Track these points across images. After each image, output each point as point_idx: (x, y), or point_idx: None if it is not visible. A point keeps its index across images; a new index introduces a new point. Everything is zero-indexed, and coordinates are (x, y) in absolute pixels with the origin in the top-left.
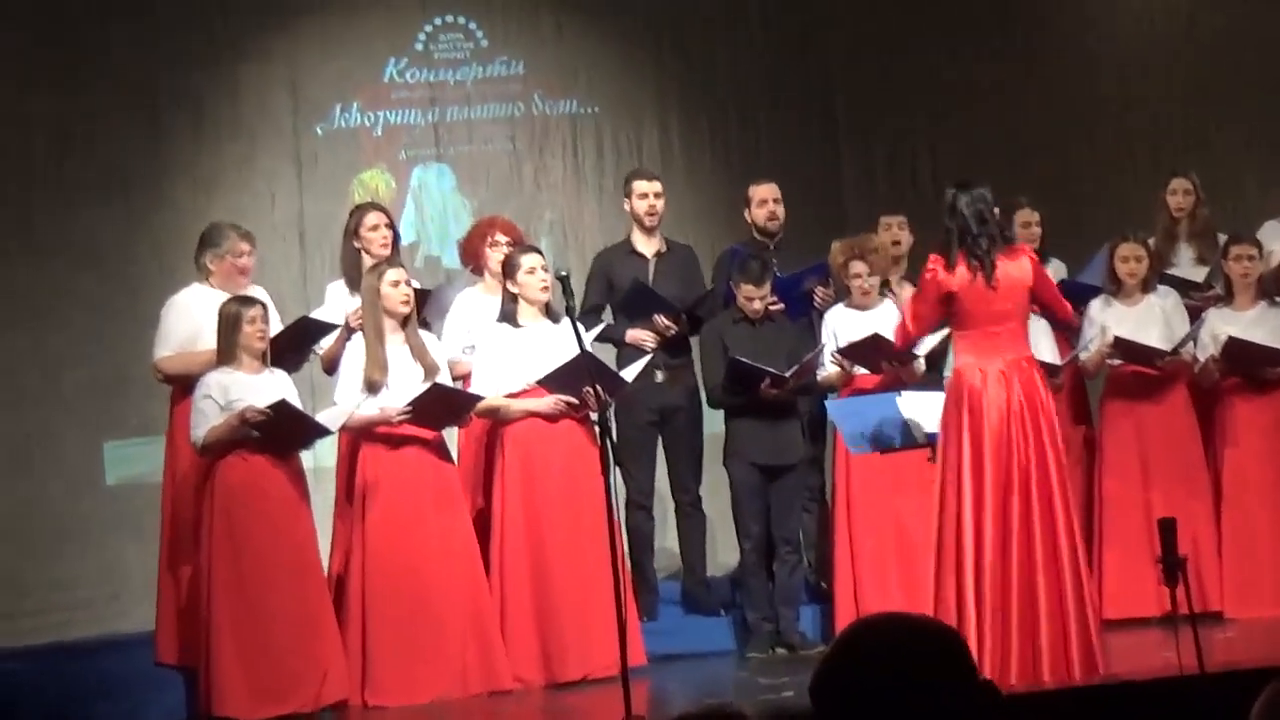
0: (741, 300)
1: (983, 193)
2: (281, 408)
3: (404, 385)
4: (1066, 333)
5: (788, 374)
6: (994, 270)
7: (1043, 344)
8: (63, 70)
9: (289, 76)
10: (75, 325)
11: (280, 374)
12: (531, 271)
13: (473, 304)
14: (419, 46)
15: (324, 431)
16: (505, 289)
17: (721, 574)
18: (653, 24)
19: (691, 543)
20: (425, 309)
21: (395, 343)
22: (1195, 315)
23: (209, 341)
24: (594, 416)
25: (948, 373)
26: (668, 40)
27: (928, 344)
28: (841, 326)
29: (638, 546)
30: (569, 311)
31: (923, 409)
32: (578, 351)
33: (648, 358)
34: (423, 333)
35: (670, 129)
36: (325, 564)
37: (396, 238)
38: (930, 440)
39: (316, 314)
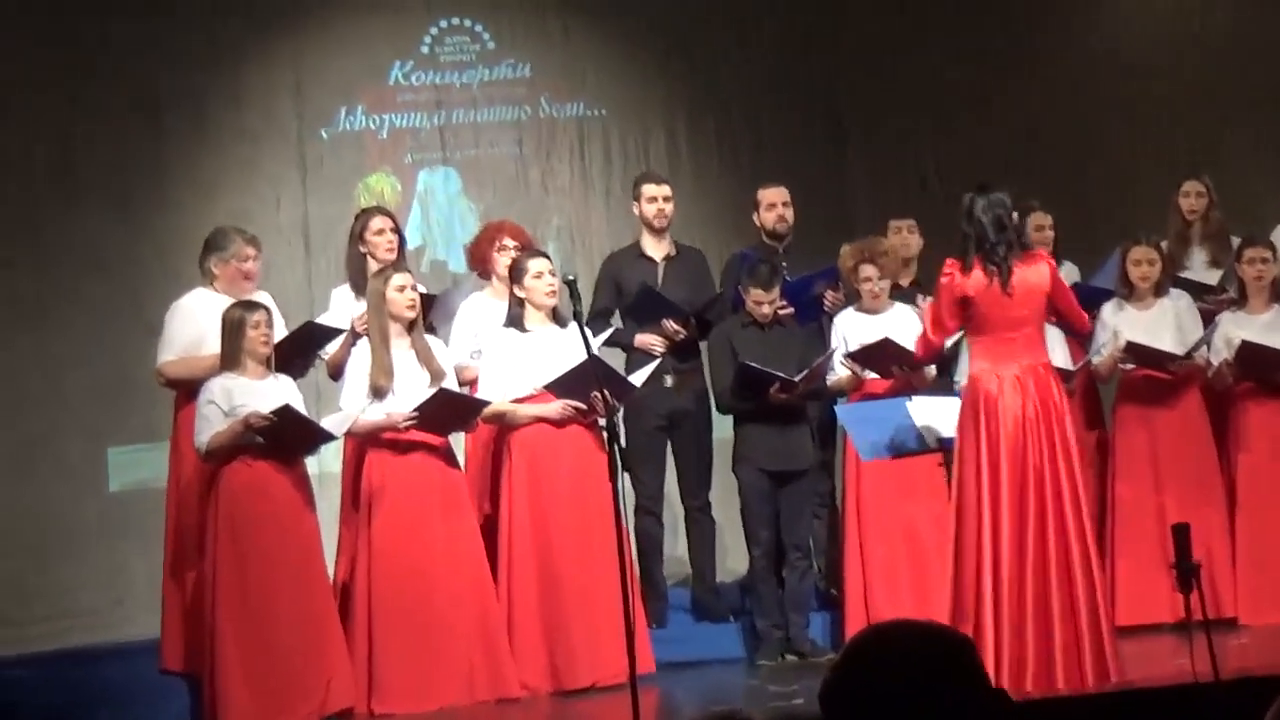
0: (750, 304)
1: (1001, 198)
2: (285, 413)
3: (410, 391)
4: (1079, 337)
5: (797, 378)
6: (1010, 277)
7: (1055, 349)
8: (65, 73)
9: (293, 79)
10: (78, 330)
11: (285, 379)
12: (539, 276)
13: (480, 309)
14: (425, 49)
15: (328, 437)
16: (512, 294)
17: (731, 580)
18: (660, 27)
19: (701, 549)
20: (431, 313)
21: (401, 348)
22: (1209, 319)
23: (213, 346)
24: (602, 422)
25: (958, 377)
26: (675, 43)
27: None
28: (851, 330)
29: (646, 552)
30: (576, 316)
31: (934, 414)
32: (585, 356)
33: (656, 362)
34: (429, 337)
35: (678, 132)
36: (330, 570)
37: (402, 242)
38: (941, 445)
39: (322, 319)
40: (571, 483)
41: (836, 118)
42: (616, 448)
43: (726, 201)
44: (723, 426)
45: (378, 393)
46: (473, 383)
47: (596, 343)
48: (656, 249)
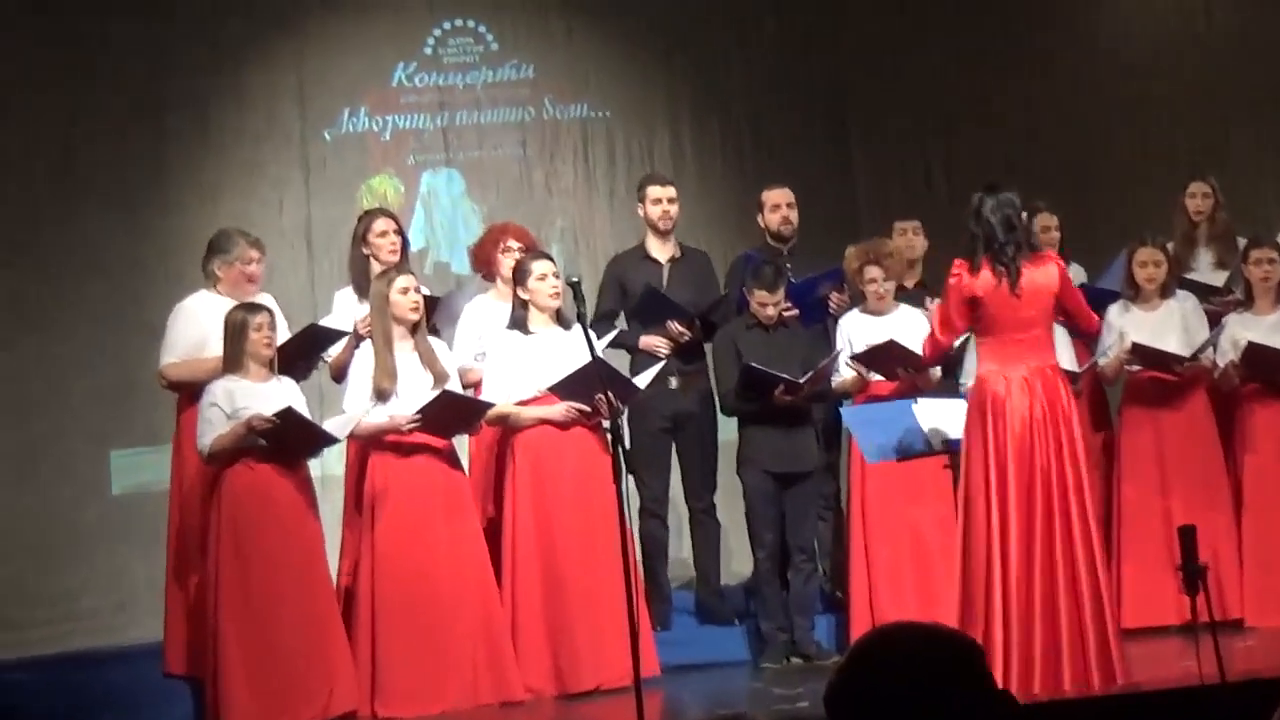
0: (755, 306)
1: (1010, 197)
2: (288, 415)
3: (413, 393)
4: (1088, 338)
5: (802, 380)
6: (1019, 278)
7: (1061, 351)
8: (67, 75)
9: (296, 81)
10: (81, 333)
11: (288, 382)
12: (542, 278)
13: (485, 311)
14: (428, 50)
15: (331, 440)
16: (516, 295)
17: (735, 583)
18: (663, 27)
19: (705, 551)
20: (435, 316)
21: (404, 350)
22: (1215, 320)
23: (216, 349)
24: (606, 424)
25: (963, 379)
26: (678, 44)
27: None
28: (856, 332)
29: (651, 555)
30: (580, 318)
31: (939, 416)
32: (589, 358)
33: (661, 364)
34: (432, 340)
35: (682, 133)
36: (333, 574)
37: (405, 244)
38: (947, 448)
39: (324, 321)
40: (575, 485)
41: (840, 118)
42: (620, 450)
43: (730, 203)
44: (728, 428)
45: (381, 395)
46: (477, 385)
47: (600, 345)
48: (661, 251)
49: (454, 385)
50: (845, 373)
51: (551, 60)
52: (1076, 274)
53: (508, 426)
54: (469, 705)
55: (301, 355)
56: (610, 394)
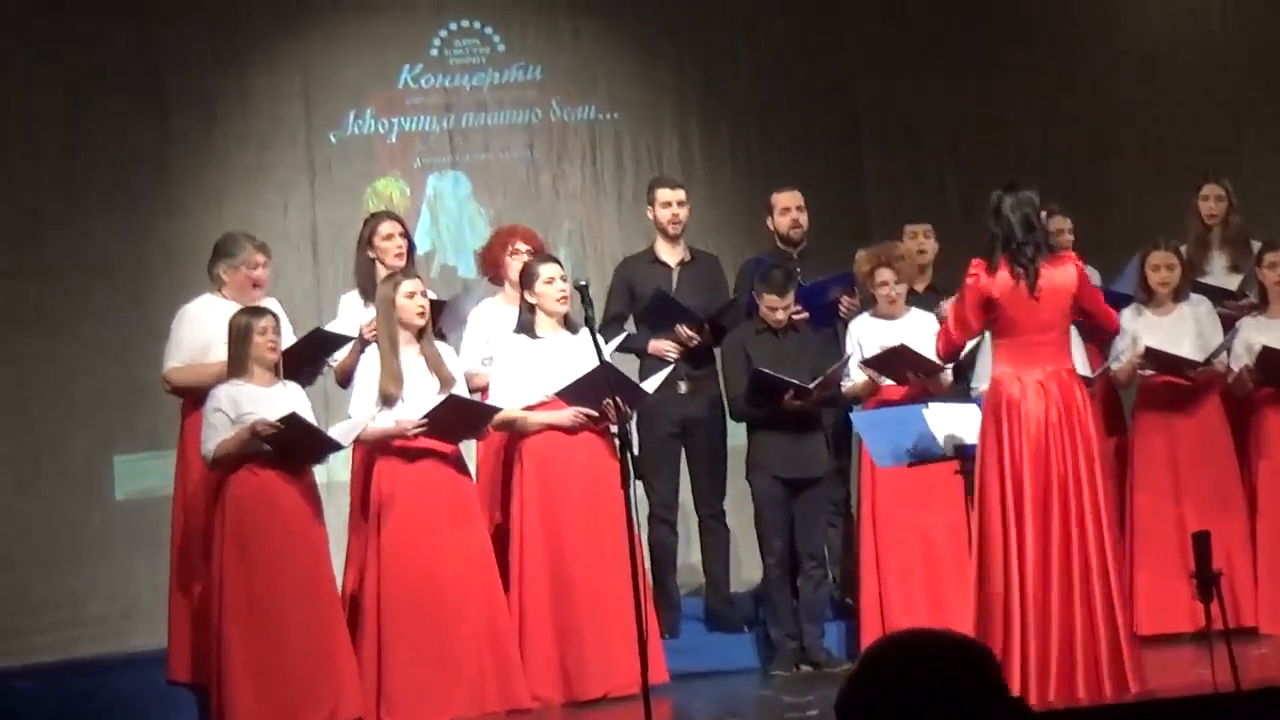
0: (764, 310)
1: (1030, 196)
2: (292, 421)
3: (419, 398)
4: (1108, 337)
5: (811, 385)
6: (1037, 279)
7: (1074, 355)
8: (71, 77)
9: (301, 82)
10: (85, 336)
11: (293, 386)
12: (550, 281)
13: (492, 314)
14: (434, 52)
15: (336, 446)
16: (523, 299)
17: (745, 590)
18: (672, 29)
19: (714, 558)
20: (441, 320)
21: (410, 355)
22: (1229, 324)
23: (220, 353)
24: (614, 429)
25: (975, 383)
26: (687, 46)
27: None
28: (867, 336)
29: (660, 561)
30: (588, 322)
31: (950, 420)
32: (597, 363)
33: (670, 368)
34: (438, 344)
35: (690, 136)
36: (339, 580)
37: (411, 247)
38: (957, 452)
39: (330, 326)
40: (583, 491)
41: (850, 120)
42: (629, 455)
43: (740, 206)
44: (737, 434)
45: (387, 400)
46: (484, 390)
47: (609, 349)
48: (670, 254)
49: (460, 390)
50: (856, 377)
51: (559, 62)
52: (1090, 277)
53: (515, 432)
54: (475, 713)
55: (306, 360)
56: (618, 399)
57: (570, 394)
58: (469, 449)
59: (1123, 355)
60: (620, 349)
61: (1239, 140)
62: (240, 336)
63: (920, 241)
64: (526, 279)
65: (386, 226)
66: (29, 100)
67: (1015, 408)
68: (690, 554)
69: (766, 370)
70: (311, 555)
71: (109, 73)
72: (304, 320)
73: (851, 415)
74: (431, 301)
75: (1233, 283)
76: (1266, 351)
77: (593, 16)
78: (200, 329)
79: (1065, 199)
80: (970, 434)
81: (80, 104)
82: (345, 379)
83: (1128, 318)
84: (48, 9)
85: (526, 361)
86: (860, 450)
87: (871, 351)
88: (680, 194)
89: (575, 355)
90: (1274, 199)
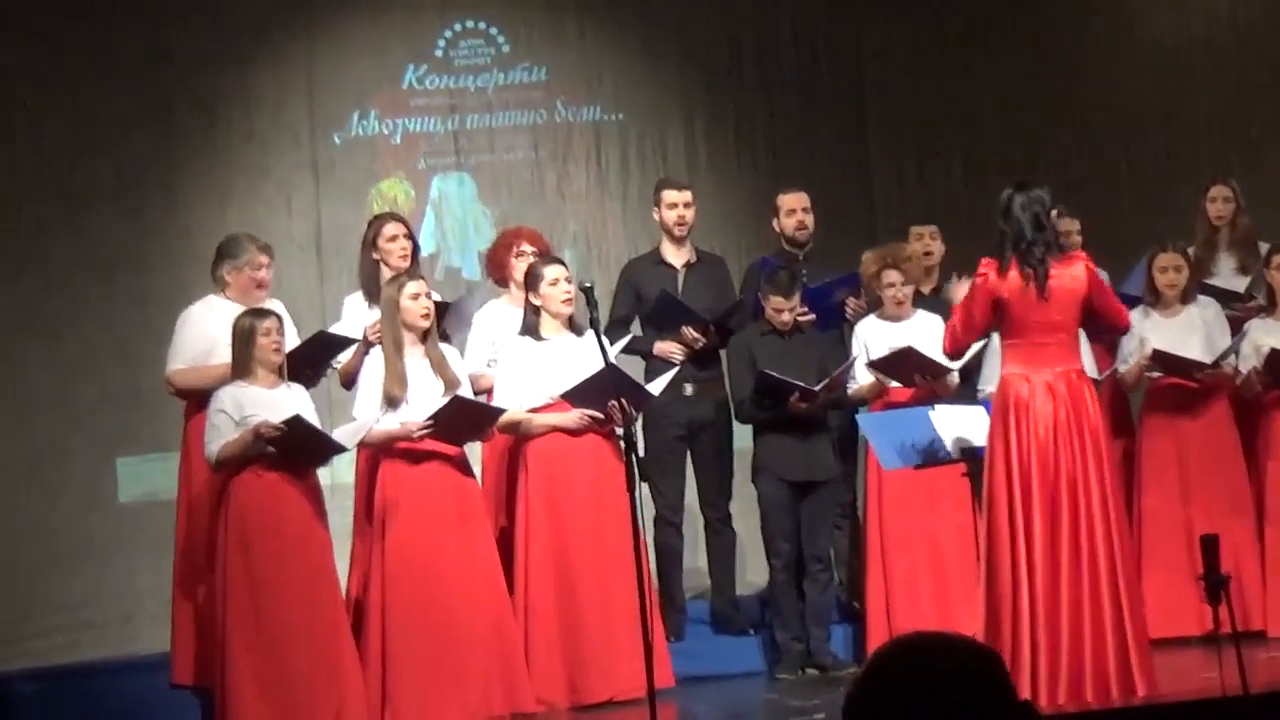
0: (770, 312)
1: (1041, 195)
2: (296, 423)
3: (424, 400)
4: (1120, 334)
5: (817, 388)
6: (1047, 280)
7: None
8: (74, 77)
9: (305, 83)
10: (88, 338)
11: (297, 388)
12: (554, 283)
13: (498, 316)
14: (439, 52)
15: (340, 448)
16: (528, 301)
17: (751, 593)
18: (678, 29)
19: (720, 561)
20: (445, 321)
21: (415, 356)
22: (1237, 326)
23: (224, 355)
24: (620, 431)
25: (982, 385)
26: (693, 46)
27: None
28: (873, 338)
29: (666, 564)
30: (593, 324)
31: (957, 423)
32: (602, 365)
33: (675, 370)
34: (443, 346)
35: (696, 136)
36: (343, 584)
37: (416, 249)
38: (964, 455)
39: (334, 328)
40: (589, 493)
41: (857, 121)
42: (634, 458)
43: (746, 206)
44: (743, 436)
45: (391, 402)
46: (489, 392)
47: (614, 351)
48: (677, 256)
49: (465, 392)
50: (862, 379)
51: (564, 62)
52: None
53: (520, 434)
54: (480, 717)
55: (310, 362)
56: (624, 401)
57: (575, 396)
58: (474, 451)
59: (1130, 357)
60: (626, 351)
61: (1249, 142)
62: (244, 338)
63: (927, 243)
64: (531, 281)
65: (391, 228)
66: (32, 100)
67: (1023, 408)
68: (696, 557)
69: (772, 372)
70: (315, 558)
71: (112, 73)
72: (308, 322)
73: (858, 417)
74: (436, 303)
75: (1240, 284)
76: (1275, 354)
77: (598, 17)
78: (204, 331)
79: (1074, 201)
80: (977, 436)
81: (83, 104)
82: (349, 381)
83: (1135, 320)
84: (52, 9)
85: (531, 363)
86: (867, 453)
87: (878, 353)
88: (687, 195)
89: (580, 357)
90: None
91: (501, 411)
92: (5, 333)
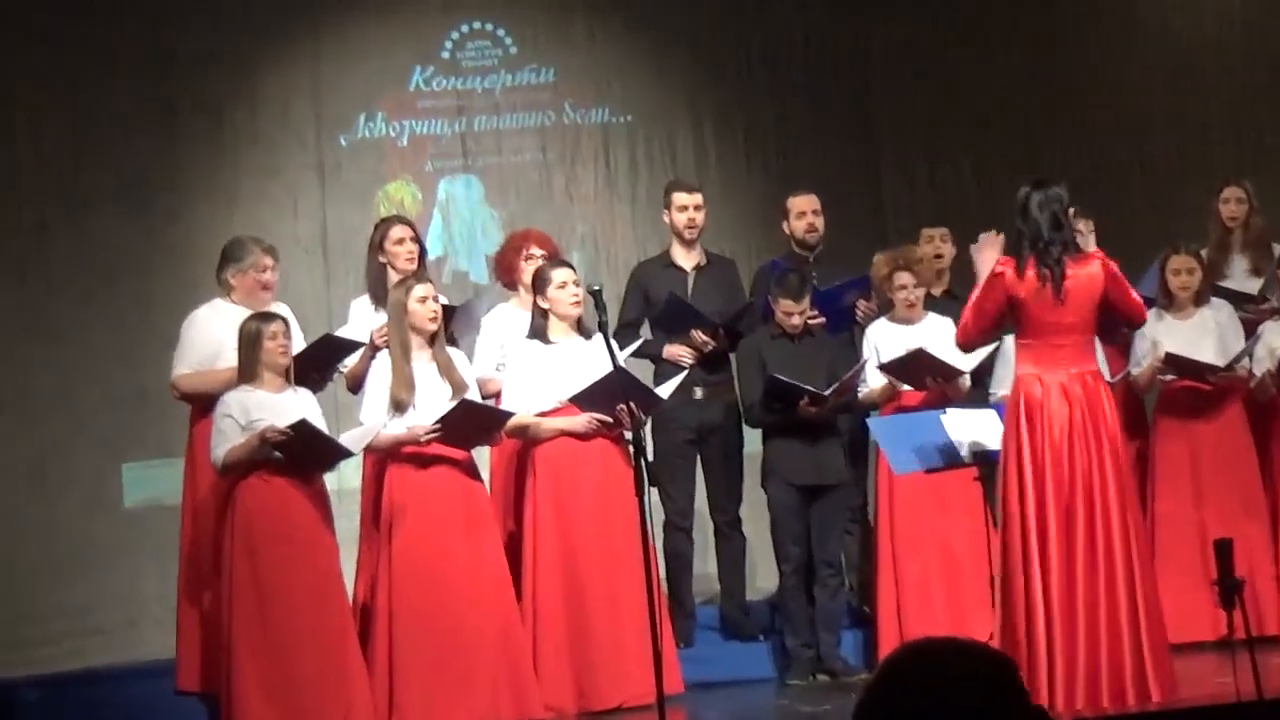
0: (780, 315)
1: (1059, 193)
2: (302, 427)
3: (431, 404)
4: (1138, 328)
5: (827, 391)
6: (1064, 281)
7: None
8: (79, 79)
9: (311, 84)
10: (92, 341)
11: (304, 392)
12: (562, 286)
13: (506, 320)
14: (446, 54)
15: (347, 453)
16: (535, 304)
17: (761, 598)
18: (686, 30)
19: (730, 566)
20: (453, 325)
21: (422, 360)
22: (1250, 328)
23: (229, 359)
24: (628, 435)
25: (994, 388)
26: (702, 47)
27: (975, 358)
28: (884, 341)
29: (676, 569)
30: (602, 327)
31: (968, 426)
32: (611, 368)
33: (684, 374)
34: (450, 349)
35: (705, 138)
36: (350, 589)
37: (423, 251)
38: (976, 459)
39: (341, 331)
40: (597, 498)
41: (868, 124)
42: (643, 462)
43: (755, 209)
44: (753, 440)
45: (398, 406)
46: (497, 395)
47: (623, 354)
48: (686, 258)
49: (473, 395)
50: (873, 382)
51: (572, 64)
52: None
53: (528, 438)
54: None
55: (317, 366)
56: (632, 404)
57: (584, 400)
58: (482, 456)
59: (1143, 360)
60: (635, 354)
61: (1260, 143)
62: (250, 342)
63: (938, 245)
64: (539, 284)
65: (398, 231)
66: (37, 102)
67: (1038, 409)
68: (705, 562)
69: (782, 376)
70: (322, 563)
71: (117, 74)
72: (314, 326)
73: (869, 421)
74: (444, 306)
75: (1254, 286)
76: None
77: (606, 18)
78: (209, 334)
79: (1086, 202)
80: (989, 440)
81: (87, 106)
82: (356, 385)
83: (1148, 322)
84: (51, 9)
85: (540, 367)
86: (877, 456)
87: (889, 356)
88: (697, 198)
89: (589, 361)
90: None
91: (510, 415)
92: (8, 335)
